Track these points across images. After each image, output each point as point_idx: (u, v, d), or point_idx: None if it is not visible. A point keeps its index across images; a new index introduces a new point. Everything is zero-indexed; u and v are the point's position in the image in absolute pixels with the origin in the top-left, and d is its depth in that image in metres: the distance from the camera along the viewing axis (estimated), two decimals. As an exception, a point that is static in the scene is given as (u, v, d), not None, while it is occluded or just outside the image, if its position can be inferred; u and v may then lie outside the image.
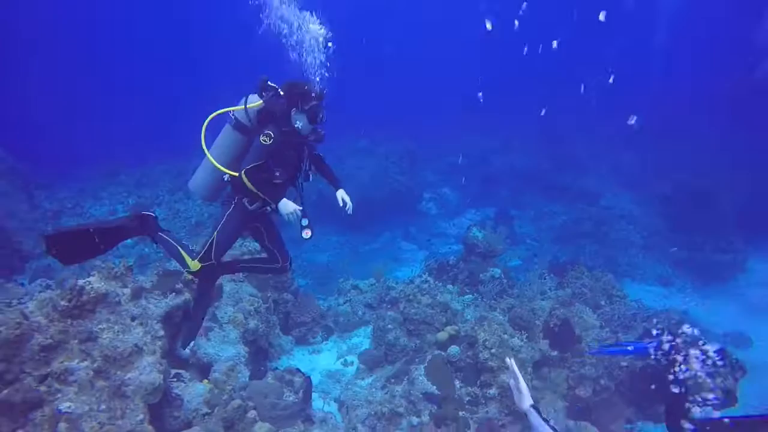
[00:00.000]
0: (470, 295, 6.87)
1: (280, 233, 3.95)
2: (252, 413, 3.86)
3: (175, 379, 4.39)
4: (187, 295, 5.17)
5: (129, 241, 3.72)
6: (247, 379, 4.78)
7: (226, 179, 3.47)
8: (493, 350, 5.02)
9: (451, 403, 4.89)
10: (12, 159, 12.16)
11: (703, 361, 3.04)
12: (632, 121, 15.42)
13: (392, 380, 5.37)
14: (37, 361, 3.84)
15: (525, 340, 5.28)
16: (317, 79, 3.51)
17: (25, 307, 4.39)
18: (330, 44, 3.60)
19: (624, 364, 5.33)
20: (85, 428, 3.33)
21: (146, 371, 3.96)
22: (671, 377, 2.96)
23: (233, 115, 3.41)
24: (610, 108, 21.01)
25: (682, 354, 3.08)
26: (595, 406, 5.19)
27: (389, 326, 5.96)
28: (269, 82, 3.45)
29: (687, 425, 2.59)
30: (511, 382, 2.25)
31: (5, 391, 3.39)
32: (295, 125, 3.42)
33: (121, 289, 4.68)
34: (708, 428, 2.56)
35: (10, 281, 6.71)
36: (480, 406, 4.92)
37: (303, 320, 6.79)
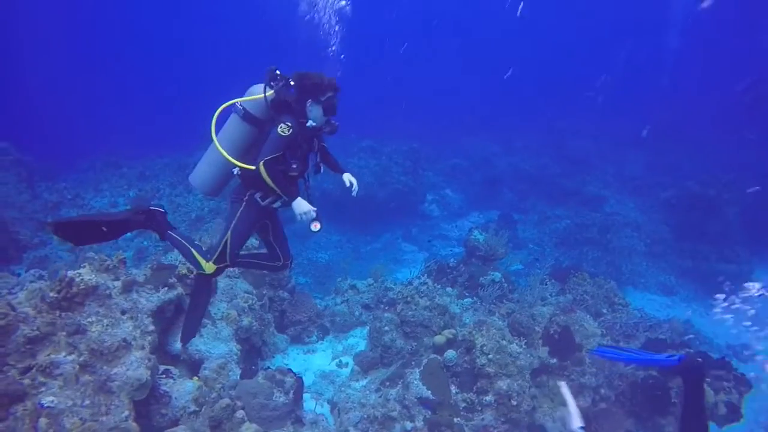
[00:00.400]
0: (469, 299, 6.74)
1: (284, 230, 3.82)
2: (240, 413, 3.75)
3: (163, 376, 4.29)
4: (180, 290, 5.08)
5: (128, 234, 3.62)
6: (238, 377, 4.68)
7: (235, 173, 3.31)
8: (490, 356, 4.90)
9: (446, 409, 4.77)
10: (16, 151, 12.20)
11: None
12: (645, 132, 15.32)
13: (387, 383, 5.25)
14: (23, 353, 3.75)
15: (524, 346, 5.15)
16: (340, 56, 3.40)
17: (14, 298, 4.31)
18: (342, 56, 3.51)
19: (628, 370, 5.21)
20: (66, 424, 3.23)
21: (133, 366, 3.86)
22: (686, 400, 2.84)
23: (242, 105, 3.25)
24: (617, 111, 20.92)
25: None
26: (594, 416, 5.06)
27: (386, 328, 5.84)
28: (278, 72, 3.33)
29: None
30: (567, 402, 2.28)
31: (-14, 384, 3.30)
32: (310, 116, 3.30)
33: (113, 281, 4.60)
34: None
35: (3, 270, 6.62)
36: (476, 412, 4.80)
37: (298, 319, 6.68)
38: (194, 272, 5.42)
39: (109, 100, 29.85)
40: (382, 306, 6.82)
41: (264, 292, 6.32)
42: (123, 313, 4.40)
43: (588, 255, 12.05)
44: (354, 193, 3.59)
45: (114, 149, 15.66)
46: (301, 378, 4.53)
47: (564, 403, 2.28)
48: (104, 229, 3.14)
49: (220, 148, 3.17)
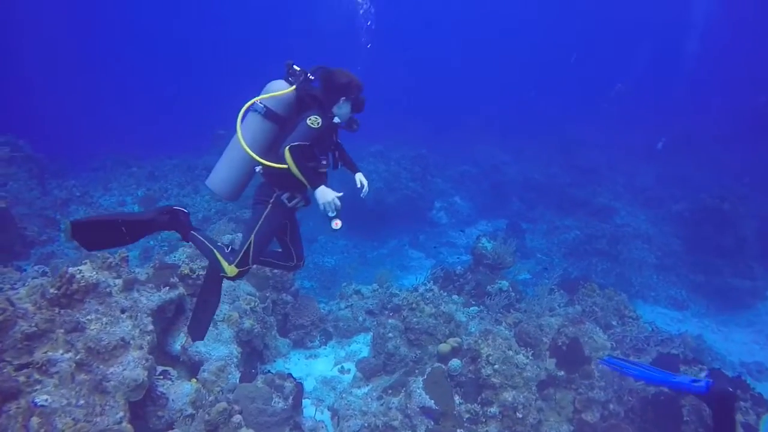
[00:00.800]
0: (476, 307, 6.61)
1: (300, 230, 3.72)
2: (237, 418, 3.66)
3: (161, 377, 4.21)
4: (181, 290, 5.02)
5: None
6: (238, 380, 4.59)
7: (258, 170, 3.22)
8: (496, 366, 4.77)
9: (449, 420, 4.65)
10: (30, 148, 12.30)
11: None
12: (660, 145, 15.13)
13: (389, 391, 5.13)
14: (19, 350, 3.69)
15: (531, 357, 5.01)
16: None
17: (15, 293, 4.28)
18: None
19: (638, 385, 5.04)
20: (58, 424, 3.15)
21: (130, 366, 3.79)
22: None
23: (263, 104, 3.14)
24: (631, 120, 20.71)
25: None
26: (602, 432, 4.90)
27: (390, 334, 5.73)
28: (296, 66, 3.26)
29: None
30: None
31: (-20, 380, 3.24)
32: (338, 113, 3.23)
33: (114, 279, 4.55)
34: None
35: (9, 266, 6.61)
36: (480, 424, 4.67)
37: (301, 323, 6.59)
38: (195, 273, 5.38)
39: (122, 102, 30.21)
40: (387, 312, 6.70)
41: (267, 295, 6.24)
42: (123, 311, 4.33)
43: (597, 266, 11.86)
44: (363, 195, 3.47)
45: (125, 149, 15.78)
46: (301, 383, 4.43)
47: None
48: (124, 229, 3.04)
49: (246, 148, 3.02)
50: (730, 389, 2.58)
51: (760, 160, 14.61)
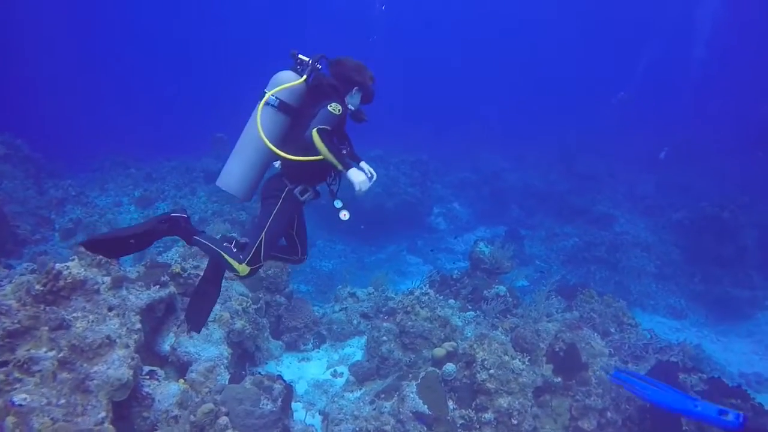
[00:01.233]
0: (472, 312, 6.51)
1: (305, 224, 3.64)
2: (224, 419, 3.56)
3: (147, 377, 4.11)
4: (172, 289, 4.93)
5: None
6: (227, 382, 4.48)
7: (277, 165, 3.17)
8: (491, 371, 4.67)
9: (442, 425, 4.54)
10: (27, 148, 12.28)
11: None
12: (663, 155, 15.06)
13: (382, 396, 5.03)
14: (1, 347, 3.60)
15: (527, 363, 4.90)
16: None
17: (0, 290, 4.19)
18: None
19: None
20: (35, 424, 3.05)
21: (115, 365, 3.69)
22: None
23: (275, 96, 3.04)
24: (633, 128, 20.66)
25: None
26: (598, 440, 4.79)
27: (384, 338, 5.63)
28: (302, 56, 3.19)
29: None
30: None
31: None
32: (350, 103, 3.19)
33: (102, 277, 4.46)
34: None
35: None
36: (474, 430, 4.56)
37: (295, 325, 6.48)
38: (187, 272, 5.29)
39: (123, 103, 30.26)
40: (382, 315, 6.61)
41: (260, 296, 6.15)
42: (110, 309, 4.24)
43: (596, 274, 11.78)
44: (372, 182, 3.27)
45: (125, 150, 15.74)
46: (290, 385, 4.32)
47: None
48: (132, 241, 2.97)
49: (268, 143, 2.91)
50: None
51: (761, 168, 14.53)
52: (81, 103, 28.43)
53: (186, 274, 5.19)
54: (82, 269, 4.26)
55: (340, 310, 7.02)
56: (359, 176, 2.86)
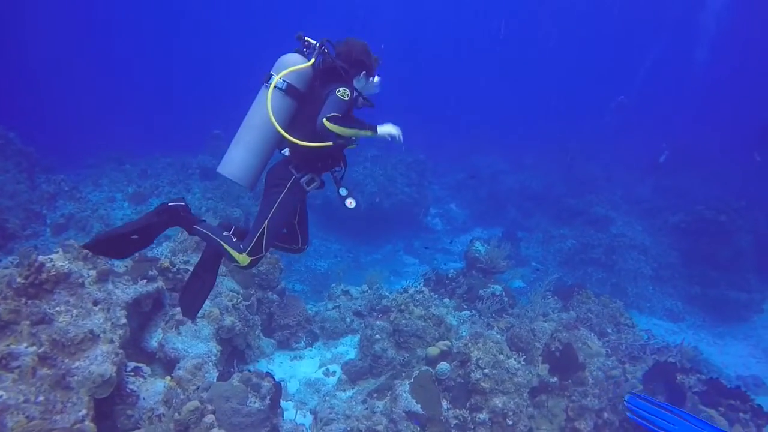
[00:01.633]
0: (467, 311, 6.41)
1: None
2: (210, 418, 3.44)
3: (132, 374, 3.99)
4: (160, 284, 4.81)
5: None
6: (215, 380, 4.36)
7: (286, 153, 3.05)
8: (486, 370, 4.56)
9: (435, 425, 4.44)
10: (21, 142, 12.12)
11: None
12: (663, 158, 14.99)
13: (374, 395, 4.92)
14: (-21, 341, 3.49)
15: (522, 362, 4.80)
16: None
17: (-19, 283, 4.06)
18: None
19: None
20: (9, 423, 2.92)
21: (98, 361, 3.57)
22: None
23: (284, 80, 2.93)
24: (632, 132, 20.63)
25: None
26: (595, 442, 4.69)
27: (377, 336, 5.52)
28: (308, 39, 3.08)
29: None
30: None
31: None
32: (356, 87, 3.08)
33: (88, 270, 4.34)
34: None
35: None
36: (468, 431, 4.45)
37: (287, 323, 6.37)
38: (176, 266, 5.18)
39: (120, 99, 30.09)
40: (375, 313, 6.50)
41: (252, 293, 6.03)
42: (95, 303, 4.12)
43: (592, 276, 11.71)
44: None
45: (123, 146, 15.63)
46: (279, 383, 4.20)
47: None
48: (135, 237, 2.86)
49: (279, 128, 2.83)
50: None
51: (758, 172, 14.48)
52: (78, 99, 28.25)
53: (175, 269, 5.08)
54: (66, 262, 4.14)
55: (333, 308, 6.90)
56: (390, 129, 2.91)
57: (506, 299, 6.51)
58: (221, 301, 5.24)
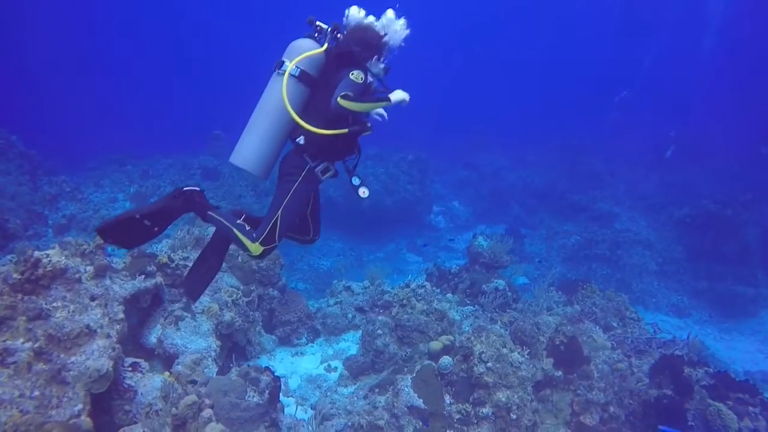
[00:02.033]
0: (471, 306, 6.34)
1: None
2: (207, 412, 3.38)
3: (130, 369, 3.94)
4: (158, 279, 4.77)
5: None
6: (215, 375, 4.31)
7: (301, 142, 2.94)
8: (489, 364, 4.49)
9: (438, 420, 4.37)
10: (23, 144, 12.16)
11: None
12: (669, 153, 14.88)
13: (376, 390, 4.85)
14: (-26, 337, 3.44)
15: (526, 356, 4.73)
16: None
17: (-23, 279, 4.02)
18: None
19: (639, 387, 4.76)
20: (2, 417, 2.87)
21: (94, 356, 3.52)
22: None
23: (297, 66, 2.87)
24: (635, 126, 20.48)
25: None
26: (601, 436, 4.61)
27: (379, 331, 5.46)
28: (320, 23, 3.01)
29: None
30: None
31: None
32: (371, 71, 3.04)
33: (85, 266, 4.29)
34: None
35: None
36: (471, 425, 4.38)
37: (288, 319, 6.31)
38: (175, 262, 5.13)
39: (122, 100, 30.21)
40: (377, 309, 6.43)
41: (252, 289, 5.98)
42: (92, 299, 4.08)
43: (597, 272, 11.62)
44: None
45: (122, 149, 15.67)
46: (278, 378, 4.15)
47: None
48: (147, 222, 2.80)
49: (294, 114, 2.78)
50: None
51: (764, 165, 14.34)
52: (79, 101, 28.38)
53: (174, 265, 5.03)
54: (63, 257, 4.09)
55: (335, 304, 6.85)
56: (402, 95, 2.90)
57: (509, 294, 6.43)
58: (221, 296, 5.19)
